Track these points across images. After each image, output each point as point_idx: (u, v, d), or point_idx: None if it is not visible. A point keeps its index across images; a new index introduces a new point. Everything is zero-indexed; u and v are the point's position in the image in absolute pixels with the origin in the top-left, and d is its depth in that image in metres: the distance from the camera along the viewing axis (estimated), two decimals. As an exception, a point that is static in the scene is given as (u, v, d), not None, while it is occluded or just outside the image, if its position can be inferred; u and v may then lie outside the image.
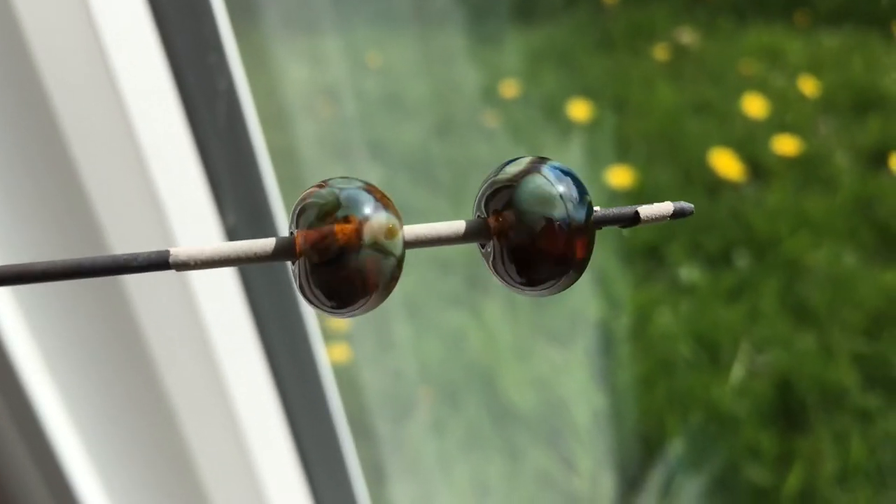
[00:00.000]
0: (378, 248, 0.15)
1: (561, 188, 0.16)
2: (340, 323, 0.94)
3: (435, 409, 0.93)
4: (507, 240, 0.16)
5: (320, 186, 0.16)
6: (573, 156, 1.20)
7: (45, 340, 0.32)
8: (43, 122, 0.29)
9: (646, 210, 0.18)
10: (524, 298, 1.04)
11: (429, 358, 0.98)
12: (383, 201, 0.16)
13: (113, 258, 0.15)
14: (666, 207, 0.18)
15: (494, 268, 0.17)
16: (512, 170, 0.17)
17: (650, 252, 1.10)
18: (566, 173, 0.17)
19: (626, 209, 0.18)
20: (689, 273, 1.06)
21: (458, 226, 0.17)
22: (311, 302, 0.16)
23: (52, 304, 0.32)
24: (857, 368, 0.92)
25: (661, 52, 1.43)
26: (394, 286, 0.16)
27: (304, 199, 0.16)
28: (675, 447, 0.88)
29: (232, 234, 0.32)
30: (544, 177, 0.16)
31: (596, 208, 0.17)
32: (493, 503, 0.88)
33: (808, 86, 1.29)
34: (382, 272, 0.15)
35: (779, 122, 1.23)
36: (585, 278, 1.07)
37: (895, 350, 0.93)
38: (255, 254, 0.16)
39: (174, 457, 0.37)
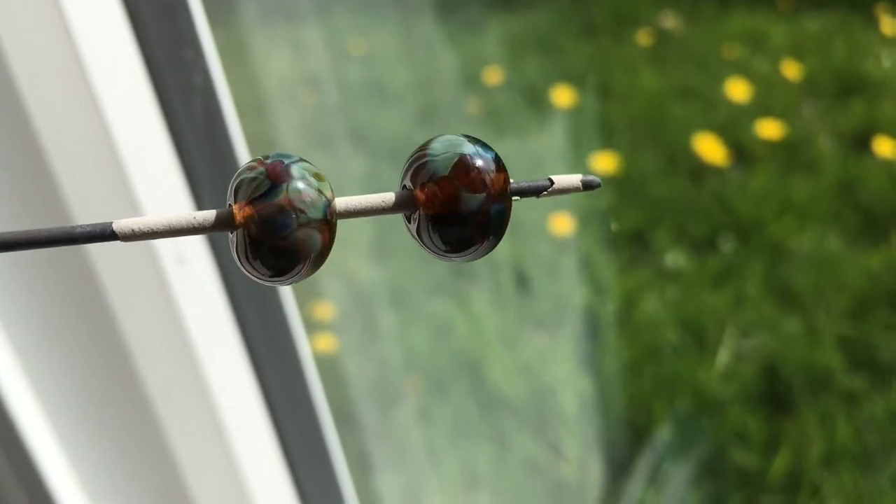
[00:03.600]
0: (310, 219, 0.16)
1: (479, 161, 0.18)
2: (326, 313, 0.94)
3: (422, 398, 0.93)
4: (431, 207, 0.17)
5: (259, 162, 0.17)
6: (557, 142, 1.19)
7: (12, 323, 0.32)
8: (14, 119, 0.28)
9: (558, 179, 0.19)
10: (511, 286, 1.04)
11: (415, 347, 0.98)
12: (315, 175, 0.17)
13: (60, 229, 0.15)
14: (573, 179, 0.19)
15: (420, 237, 0.18)
16: (438, 147, 0.18)
17: (635, 238, 1.10)
18: (483, 144, 0.18)
19: (540, 180, 0.19)
20: (674, 258, 1.07)
21: (387, 197, 0.18)
22: (248, 272, 0.17)
23: (22, 292, 0.32)
24: (843, 351, 0.92)
25: (644, 38, 1.43)
26: (327, 254, 0.17)
27: (240, 173, 0.17)
28: (663, 432, 0.89)
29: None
30: (458, 137, 0.18)
31: (512, 181, 0.18)
32: (482, 491, 0.88)
33: (792, 70, 1.29)
34: (314, 242, 0.16)
35: (762, 107, 1.24)
36: (571, 264, 1.07)
37: (880, 332, 0.93)
38: (198, 224, 0.16)
39: (154, 450, 0.37)
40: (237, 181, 0.16)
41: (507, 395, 0.93)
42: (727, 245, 1.07)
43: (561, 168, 1.13)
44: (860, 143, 1.16)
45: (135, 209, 0.29)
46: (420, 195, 0.18)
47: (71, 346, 0.32)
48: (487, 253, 0.18)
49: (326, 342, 0.90)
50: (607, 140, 1.22)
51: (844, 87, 1.25)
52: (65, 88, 0.28)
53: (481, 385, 0.94)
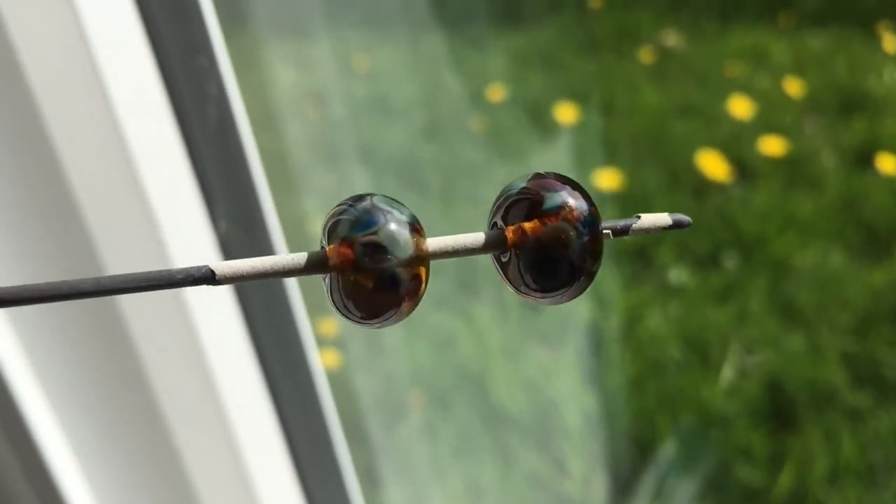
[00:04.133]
0: (406, 263, 0.16)
1: (578, 225, 0.17)
2: (330, 328, 0.94)
3: (426, 412, 0.93)
4: (524, 250, 0.17)
5: (354, 201, 0.17)
6: (560, 159, 1.20)
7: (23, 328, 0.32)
8: (29, 125, 0.28)
9: (645, 217, 0.19)
10: (514, 301, 1.04)
11: (419, 362, 0.97)
12: (411, 219, 0.17)
13: (156, 274, 0.16)
14: (662, 218, 0.19)
15: (509, 277, 0.18)
16: (526, 183, 0.18)
17: (639, 254, 1.11)
18: (577, 188, 0.18)
19: (628, 219, 0.19)
20: (677, 274, 1.07)
21: (477, 237, 0.18)
22: (341, 313, 0.17)
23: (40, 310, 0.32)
24: (846, 368, 0.92)
25: (646, 55, 1.43)
26: (421, 297, 0.17)
27: (335, 213, 0.17)
28: (667, 448, 0.88)
29: (225, 241, 0.32)
30: (558, 190, 0.18)
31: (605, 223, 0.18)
32: (486, 507, 0.88)
33: (794, 86, 1.30)
34: (410, 286, 0.16)
35: (764, 123, 1.24)
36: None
37: (883, 349, 0.93)
38: (287, 268, 0.16)
39: (166, 463, 0.37)
40: (332, 220, 0.17)
41: (511, 410, 0.93)
42: (730, 261, 1.07)
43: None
44: (863, 159, 1.17)
45: (148, 218, 0.29)
46: (511, 235, 0.17)
47: (82, 356, 0.32)
48: (578, 295, 0.18)
49: (331, 358, 0.90)
50: (610, 157, 1.22)
51: (846, 103, 1.25)
52: (79, 95, 0.28)
53: (485, 400, 0.94)
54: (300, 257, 0.16)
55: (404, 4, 1.21)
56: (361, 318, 0.16)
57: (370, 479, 0.82)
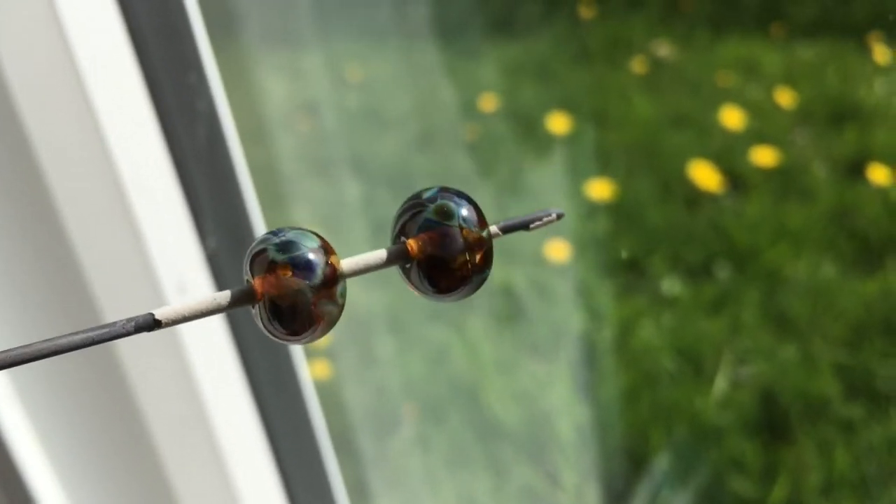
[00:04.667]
0: (315, 286, 0.18)
1: (463, 210, 0.20)
2: (320, 340, 0.93)
3: (418, 425, 0.93)
4: (423, 257, 0.20)
5: (272, 234, 0.19)
6: (553, 168, 1.20)
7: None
8: (14, 143, 0.28)
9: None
10: (507, 313, 1.03)
11: (411, 374, 0.97)
12: (324, 245, 0.18)
13: (90, 333, 0.17)
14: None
15: (413, 284, 0.20)
16: (422, 198, 0.20)
17: (631, 265, 1.10)
18: (463, 196, 0.20)
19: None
20: (670, 285, 1.07)
21: (381, 254, 0.20)
22: (271, 334, 0.18)
23: (15, 302, 0.32)
24: (840, 379, 0.92)
25: (638, 65, 1.43)
26: (340, 313, 0.19)
27: (254, 248, 0.18)
28: (660, 460, 0.88)
29: (213, 259, 0.31)
30: (449, 199, 0.20)
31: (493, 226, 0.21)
32: (478, 520, 0.87)
33: (785, 97, 1.30)
34: (329, 309, 0.18)
35: (757, 134, 1.24)
36: (568, 291, 1.07)
37: (876, 360, 0.93)
38: (220, 304, 0.18)
39: (149, 476, 0.36)
40: (252, 254, 0.18)
41: (504, 423, 0.93)
42: (723, 272, 1.07)
43: (557, 194, 1.14)
44: (854, 170, 1.17)
45: (135, 235, 0.28)
46: (412, 246, 0.20)
47: (64, 367, 0.32)
48: (474, 293, 0.20)
49: (321, 369, 0.89)
50: (603, 167, 1.22)
51: (838, 114, 1.25)
52: (66, 112, 0.27)
53: (478, 412, 0.94)
54: (226, 295, 0.18)
55: (397, 15, 1.21)
56: (287, 337, 0.18)
57: (361, 493, 0.81)
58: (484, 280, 0.20)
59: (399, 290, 1.03)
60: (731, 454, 0.87)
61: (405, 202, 0.21)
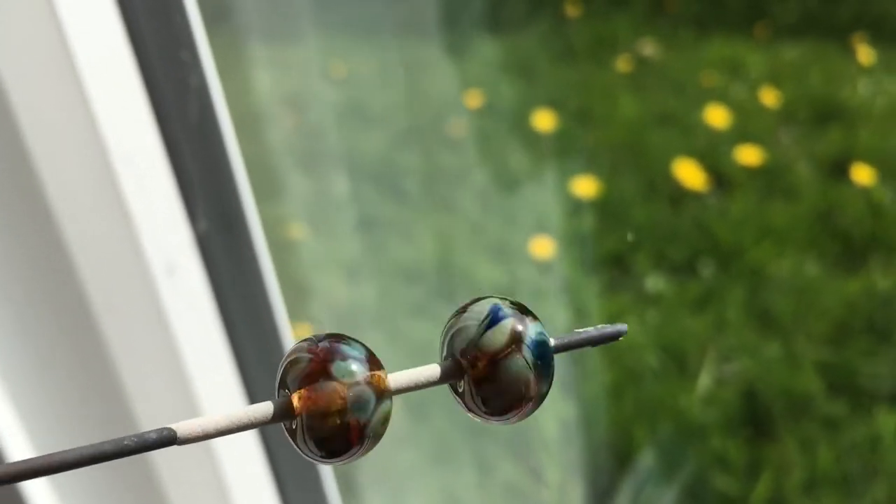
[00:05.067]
0: (363, 406, 0.16)
1: (535, 371, 0.18)
2: (305, 335, 0.93)
3: (403, 420, 0.92)
4: (480, 394, 0.18)
5: (312, 346, 0.17)
6: (537, 165, 1.20)
7: None
8: None
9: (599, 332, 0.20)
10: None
11: (395, 369, 0.96)
12: (370, 358, 0.17)
13: (117, 443, 0.15)
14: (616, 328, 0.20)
15: (465, 404, 0.19)
16: (495, 340, 0.18)
17: (616, 262, 1.10)
18: (541, 344, 0.18)
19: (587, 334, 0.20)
20: (654, 282, 1.07)
21: (433, 370, 0.18)
22: (303, 453, 0.17)
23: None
24: (822, 376, 0.92)
25: (623, 64, 1.44)
26: (383, 434, 0.17)
27: (290, 356, 0.17)
28: (644, 457, 0.88)
29: (204, 241, 0.31)
30: (524, 360, 0.18)
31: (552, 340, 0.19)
32: (462, 516, 0.87)
33: (769, 97, 1.30)
34: (372, 430, 0.17)
35: (741, 133, 1.24)
36: (553, 288, 1.07)
37: (859, 358, 0.94)
38: (254, 420, 0.16)
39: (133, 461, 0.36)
40: (288, 363, 0.17)
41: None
42: (707, 270, 1.07)
43: (543, 191, 1.13)
44: (838, 170, 1.17)
45: (123, 214, 0.28)
46: (468, 369, 0.18)
47: (50, 352, 0.31)
48: (531, 415, 0.19)
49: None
50: (588, 164, 1.22)
51: (822, 114, 1.26)
52: (53, 88, 0.27)
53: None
54: (265, 409, 0.16)
55: (382, 10, 1.21)
56: (322, 457, 0.17)
57: (345, 487, 0.81)
58: (543, 399, 0.19)
59: (383, 284, 1.03)
60: (714, 451, 0.87)
61: (457, 310, 0.19)
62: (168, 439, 0.15)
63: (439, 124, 1.25)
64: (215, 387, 0.33)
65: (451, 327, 0.19)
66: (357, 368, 0.16)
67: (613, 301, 1.06)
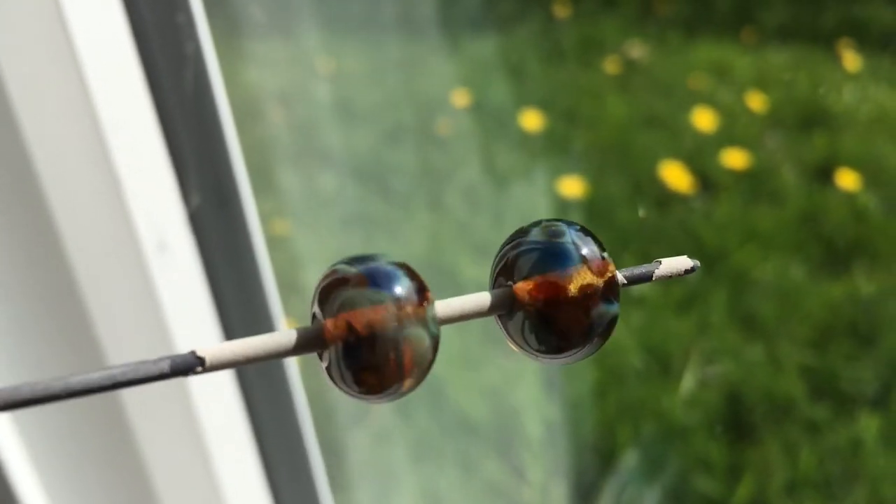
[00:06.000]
0: (415, 331, 0.14)
1: (585, 250, 0.16)
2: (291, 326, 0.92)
3: (385, 419, 0.92)
4: (533, 309, 0.16)
5: (347, 265, 0.15)
6: (525, 165, 1.19)
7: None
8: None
9: (664, 268, 0.18)
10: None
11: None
12: (416, 280, 0.15)
13: (134, 367, 0.13)
14: (682, 262, 0.18)
15: (513, 336, 0.17)
16: (535, 236, 0.17)
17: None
18: (587, 234, 0.17)
19: (645, 269, 0.18)
20: (639, 285, 1.07)
21: (483, 298, 0.16)
22: (341, 388, 0.15)
23: None
24: (805, 380, 0.93)
25: (611, 66, 1.44)
26: (430, 369, 0.15)
27: (327, 279, 0.15)
28: (627, 458, 0.88)
29: (196, 216, 0.30)
30: (572, 242, 0.16)
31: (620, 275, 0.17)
32: (444, 514, 0.86)
33: (756, 101, 1.31)
34: (419, 359, 0.15)
35: (727, 136, 1.25)
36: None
37: (841, 362, 0.94)
38: (281, 348, 0.14)
39: (121, 451, 0.35)
40: (324, 287, 0.15)
41: (472, 418, 0.92)
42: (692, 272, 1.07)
43: (529, 191, 1.13)
44: (823, 174, 1.18)
45: (114, 187, 0.27)
46: (521, 292, 0.16)
47: (36, 328, 0.30)
48: (591, 355, 0.17)
49: (287, 360, 0.88)
50: (574, 165, 1.22)
51: (807, 119, 1.27)
52: (45, 56, 0.26)
53: (445, 407, 0.93)
54: (291, 335, 0.14)
55: (372, 9, 1.20)
56: (363, 393, 0.15)
57: (335, 482, 0.80)
58: (606, 339, 0.17)
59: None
60: (697, 453, 0.87)
61: (512, 235, 0.17)
62: (189, 365, 0.13)
63: (428, 122, 1.25)
64: (213, 391, 0.33)
65: (504, 253, 0.17)
66: (402, 292, 0.14)
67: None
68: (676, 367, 0.96)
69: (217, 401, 0.36)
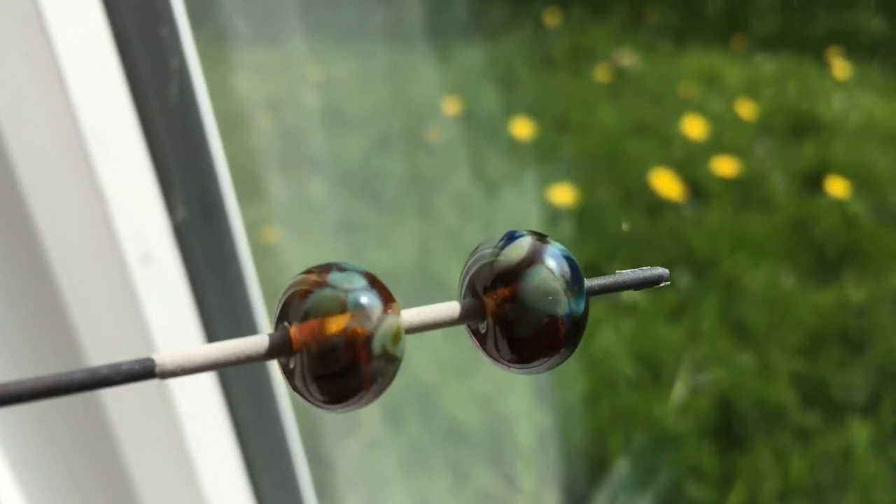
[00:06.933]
0: (384, 355, 0.15)
1: (562, 282, 0.16)
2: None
3: (377, 426, 0.91)
4: (504, 327, 0.16)
5: (317, 278, 0.15)
6: (515, 173, 1.19)
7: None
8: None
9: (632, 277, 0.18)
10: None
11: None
12: (380, 290, 0.15)
13: (91, 372, 0.13)
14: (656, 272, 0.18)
15: (485, 348, 0.17)
16: (513, 255, 0.16)
17: (591, 270, 1.10)
18: (566, 259, 0.17)
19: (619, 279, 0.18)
20: (630, 292, 1.07)
21: (452, 307, 0.16)
22: (302, 396, 0.15)
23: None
24: (796, 387, 0.93)
25: (602, 74, 1.44)
26: (394, 377, 0.16)
27: (293, 287, 0.15)
28: (619, 466, 0.88)
29: (181, 229, 0.30)
30: (548, 269, 0.16)
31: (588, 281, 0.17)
32: (435, 524, 0.86)
33: (746, 109, 1.31)
34: (382, 370, 0.15)
35: (717, 144, 1.25)
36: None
37: (832, 370, 0.94)
38: (248, 354, 0.14)
39: (104, 457, 0.35)
40: (289, 297, 0.15)
41: (463, 426, 0.92)
42: (682, 279, 1.08)
43: (520, 199, 1.13)
44: (813, 182, 1.18)
45: (98, 200, 0.27)
46: (492, 307, 0.16)
47: (18, 340, 0.30)
48: (559, 365, 0.17)
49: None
50: (565, 173, 1.22)
51: (797, 127, 1.27)
52: (29, 68, 0.26)
53: (436, 415, 0.93)
54: (260, 341, 0.14)
55: (363, 15, 1.20)
56: (323, 402, 0.15)
57: (319, 494, 0.80)
58: (575, 347, 0.17)
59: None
60: (688, 460, 0.87)
61: (479, 246, 0.17)
62: (146, 371, 0.13)
63: (418, 130, 1.25)
64: (191, 379, 0.32)
65: (468, 268, 0.17)
66: (367, 301, 0.15)
67: (590, 309, 1.05)
68: (668, 374, 0.96)
69: (201, 411, 0.36)
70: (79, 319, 0.29)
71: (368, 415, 0.93)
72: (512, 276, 0.16)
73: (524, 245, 0.17)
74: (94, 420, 0.32)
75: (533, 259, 0.16)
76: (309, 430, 0.84)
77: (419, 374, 0.97)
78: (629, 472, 0.88)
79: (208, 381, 0.35)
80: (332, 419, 0.89)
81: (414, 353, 0.99)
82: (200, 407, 0.35)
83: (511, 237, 0.17)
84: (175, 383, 0.33)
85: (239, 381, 0.37)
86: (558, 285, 0.16)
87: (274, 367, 0.39)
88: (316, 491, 0.78)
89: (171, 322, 0.31)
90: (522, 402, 0.96)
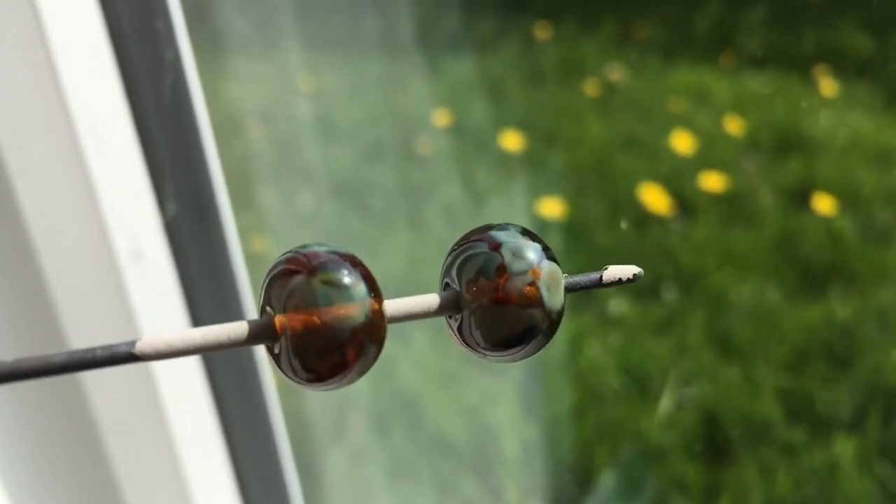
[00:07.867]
0: (358, 326, 0.15)
1: (540, 275, 0.17)
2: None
3: (362, 438, 0.91)
4: (481, 317, 0.16)
5: (296, 258, 0.15)
6: (504, 186, 1.20)
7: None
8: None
9: (609, 273, 0.18)
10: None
11: (356, 385, 0.95)
12: (365, 276, 0.15)
13: (71, 355, 0.14)
14: (627, 270, 0.19)
15: (463, 337, 0.17)
16: (491, 249, 0.17)
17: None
18: (544, 251, 0.17)
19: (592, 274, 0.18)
20: (617, 305, 1.07)
21: (431, 299, 0.17)
22: (287, 377, 0.15)
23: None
24: (782, 402, 0.93)
25: (591, 88, 1.45)
26: (376, 359, 0.16)
27: (276, 268, 0.15)
28: (605, 479, 0.88)
29: (172, 225, 0.29)
30: (527, 263, 0.17)
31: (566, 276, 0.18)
32: (420, 535, 0.86)
33: (734, 125, 1.32)
34: (364, 354, 0.15)
35: (705, 159, 1.26)
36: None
37: (817, 385, 0.94)
38: (230, 339, 0.15)
39: (91, 463, 0.34)
40: (272, 279, 0.15)
41: (449, 437, 0.92)
42: (669, 294, 1.08)
43: (509, 212, 1.13)
44: (799, 198, 1.19)
45: (88, 193, 0.27)
46: (467, 295, 0.17)
47: (5, 336, 0.30)
48: (535, 353, 0.18)
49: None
50: (554, 186, 1.22)
51: (784, 144, 1.28)
52: (21, 61, 0.26)
53: (422, 426, 0.92)
54: (239, 328, 0.14)
55: (354, 27, 1.21)
56: (307, 381, 0.15)
57: (309, 497, 0.79)
58: (551, 337, 0.17)
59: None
60: (674, 474, 0.87)
61: (460, 239, 0.17)
62: (126, 354, 0.13)
63: (408, 142, 1.25)
64: (180, 379, 0.32)
65: (451, 260, 0.17)
66: (351, 281, 0.15)
67: (576, 323, 1.05)
68: (654, 388, 0.96)
69: (190, 416, 0.35)
70: (67, 314, 0.29)
71: (355, 424, 0.92)
72: (489, 268, 0.17)
73: (502, 238, 0.17)
74: (79, 418, 0.31)
75: (511, 251, 0.17)
76: (296, 438, 0.83)
77: (405, 385, 0.97)
78: (615, 485, 0.87)
79: (198, 374, 0.35)
80: (319, 429, 0.89)
81: (400, 363, 0.98)
82: (188, 413, 0.35)
83: (489, 230, 0.17)
84: (164, 396, 0.32)
85: (229, 390, 0.36)
86: (536, 278, 0.16)
87: (266, 375, 0.39)
88: (304, 500, 0.77)
89: (161, 318, 0.30)
90: (509, 413, 0.96)
